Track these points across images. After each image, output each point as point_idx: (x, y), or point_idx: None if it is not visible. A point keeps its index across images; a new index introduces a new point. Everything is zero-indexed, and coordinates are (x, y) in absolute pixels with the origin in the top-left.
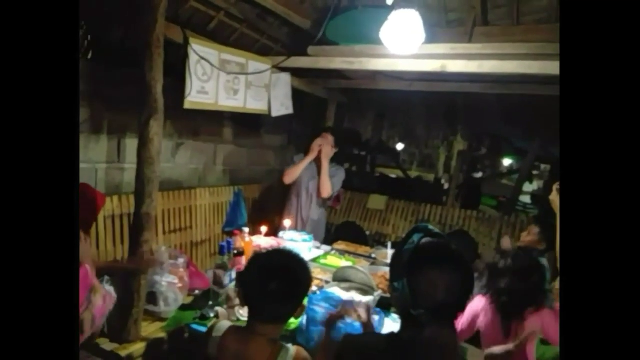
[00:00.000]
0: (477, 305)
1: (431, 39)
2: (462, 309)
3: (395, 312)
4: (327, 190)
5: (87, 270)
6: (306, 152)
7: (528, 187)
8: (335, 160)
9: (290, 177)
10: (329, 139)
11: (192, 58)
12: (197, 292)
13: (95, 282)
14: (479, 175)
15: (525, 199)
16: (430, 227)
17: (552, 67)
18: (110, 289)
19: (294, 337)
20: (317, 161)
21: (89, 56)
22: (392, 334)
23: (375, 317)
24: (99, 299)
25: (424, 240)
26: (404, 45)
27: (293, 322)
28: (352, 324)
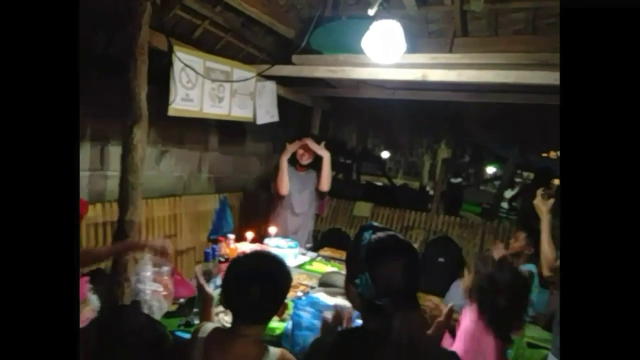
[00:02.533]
0: (467, 317)
1: (412, 48)
2: (418, 289)
3: (356, 309)
4: (326, 184)
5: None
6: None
7: (510, 194)
8: (312, 165)
9: (283, 186)
10: (308, 140)
11: (177, 66)
12: (181, 300)
13: (87, 294)
14: (458, 180)
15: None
16: (375, 223)
17: (529, 76)
18: (93, 297)
19: (279, 342)
20: (298, 168)
21: None
22: (357, 328)
23: (359, 322)
24: (89, 311)
25: (375, 235)
26: (385, 54)
27: (278, 327)
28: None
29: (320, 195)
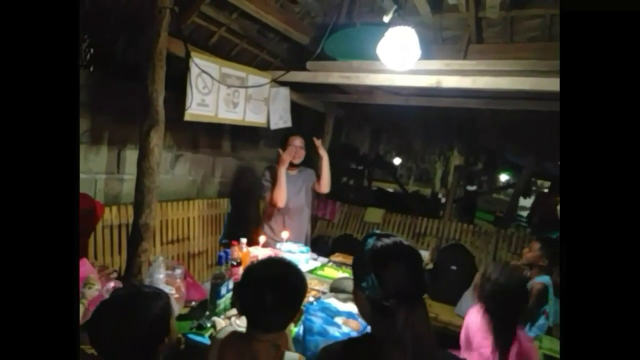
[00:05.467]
0: (474, 317)
1: (427, 55)
2: (424, 290)
3: (364, 317)
4: (326, 186)
5: (83, 263)
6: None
7: (528, 202)
8: (305, 163)
9: (281, 198)
10: (298, 140)
11: (193, 71)
12: (193, 303)
13: (92, 275)
14: (473, 188)
15: (525, 214)
16: (378, 232)
17: (544, 84)
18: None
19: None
20: (290, 168)
21: (91, 69)
22: (366, 335)
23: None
24: (94, 292)
25: (380, 239)
26: (400, 60)
27: (290, 332)
28: (349, 334)
29: (317, 195)
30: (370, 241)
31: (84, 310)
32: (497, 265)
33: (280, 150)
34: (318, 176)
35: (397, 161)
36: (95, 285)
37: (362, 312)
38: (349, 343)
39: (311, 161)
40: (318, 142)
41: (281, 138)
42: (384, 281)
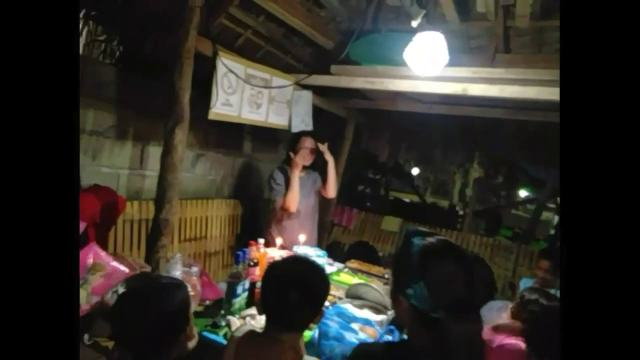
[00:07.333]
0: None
1: (453, 62)
2: (478, 302)
3: (404, 323)
4: (333, 191)
5: (90, 249)
6: (290, 167)
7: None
8: (311, 167)
9: (294, 202)
10: (309, 142)
11: (220, 70)
12: (207, 302)
13: (101, 262)
14: (497, 204)
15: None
16: (421, 229)
17: None
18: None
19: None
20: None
21: (119, 66)
22: (403, 341)
23: (389, 337)
24: (98, 278)
25: (426, 240)
26: (427, 66)
27: (305, 336)
28: (366, 340)
29: (322, 199)
30: (417, 241)
31: (87, 295)
32: (533, 287)
33: (292, 154)
34: (324, 180)
35: (415, 171)
36: (100, 272)
37: (402, 319)
38: (388, 348)
39: (315, 164)
40: (323, 147)
41: (291, 139)
42: (434, 290)
